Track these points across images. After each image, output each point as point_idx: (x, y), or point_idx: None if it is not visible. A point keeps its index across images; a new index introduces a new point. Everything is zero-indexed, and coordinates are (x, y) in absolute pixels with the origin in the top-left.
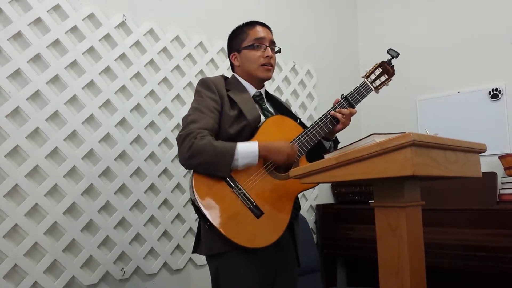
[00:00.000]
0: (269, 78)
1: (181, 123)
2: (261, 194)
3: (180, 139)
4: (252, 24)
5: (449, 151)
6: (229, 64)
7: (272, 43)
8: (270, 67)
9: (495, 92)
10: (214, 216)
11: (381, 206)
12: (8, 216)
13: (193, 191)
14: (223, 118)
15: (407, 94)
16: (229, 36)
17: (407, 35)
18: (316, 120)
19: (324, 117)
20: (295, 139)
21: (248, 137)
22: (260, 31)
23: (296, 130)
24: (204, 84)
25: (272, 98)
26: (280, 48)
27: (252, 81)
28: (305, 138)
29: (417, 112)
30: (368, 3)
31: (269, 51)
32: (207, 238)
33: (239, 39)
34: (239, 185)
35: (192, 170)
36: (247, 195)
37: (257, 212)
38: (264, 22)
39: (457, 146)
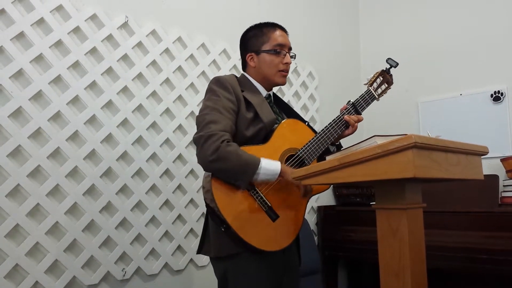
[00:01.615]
0: (284, 84)
1: (183, 124)
2: (277, 198)
3: (202, 140)
4: (273, 26)
5: (450, 153)
6: (231, 66)
7: (290, 49)
8: (287, 73)
9: (497, 94)
10: (231, 219)
11: (382, 208)
12: (10, 216)
13: (211, 194)
14: (240, 120)
15: (409, 96)
16: (245, 34)
17: (409, 37)
18: (327, 125)
19: (334, 123)
20: (307, 143)
21: (263, 139)
22: (281, 36)
23: (308, 134)
24: (220, 83)
25: (278, 100)
26: (295, 54)
27: (265, 84)
28: (317, 142)
29: (419, 114)
30: (370, 5)
31: (288, 58)
32: (217, 239)
33: (259, 40)
34: (256, 188)
35: (210, 173)
36: (264, 198)
37: (273, 216)
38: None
39: (458, 148)
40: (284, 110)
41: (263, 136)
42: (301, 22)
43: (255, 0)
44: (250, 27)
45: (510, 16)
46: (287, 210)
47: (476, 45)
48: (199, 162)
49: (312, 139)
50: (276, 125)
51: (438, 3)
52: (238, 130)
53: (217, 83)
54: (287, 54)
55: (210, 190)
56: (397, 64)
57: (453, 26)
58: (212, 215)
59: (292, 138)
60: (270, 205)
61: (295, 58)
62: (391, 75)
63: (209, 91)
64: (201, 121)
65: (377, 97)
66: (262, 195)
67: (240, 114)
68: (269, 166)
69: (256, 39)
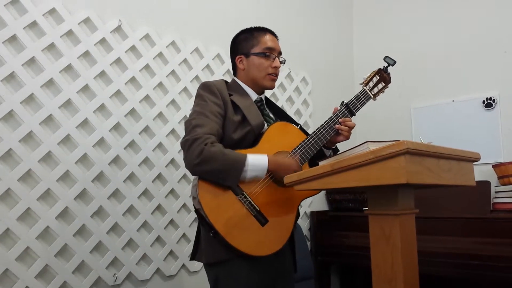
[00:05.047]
0: (273, 87)
1: (176, 129)
2: (266, 202)
3: (187, 144)
4: (263, 30)
5: (443, 159)
6: (224, 70)
7: (279, 54)
8: (276, 77)
9: (489, 101)
10: (219, 224)
11: (375, 213)
12: (0, 220)
13: (198, 199)
14: (227, 123)
15: (402, 102)
16: (236, 38)
17: (402, 43)
18: (319, 127)
19: (326, 124)
20: (298, 146)
21: (251, 143)
22: (271, 40)
23: (299, 137)
24: (207, 88)
25: (271, 104)
26: (284, 59)
27: (254, 87)
28: (308, 145)
29: (411, 120)
30: (363, 11)
31: (277, 62)
32: (208, 245)
33: (249, 43)
34: (244, 192)
35: (196, 177)
36: (253, 203)
37: (262, 220)
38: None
39: (451, 154)
40: (278, 114)
41: (252, 139)
42: (295, 28)
43: (250, 5)
44: (240, 31)
45: (503, 23)
46: (276, 214)
47: (468, 51)
48: (186, 166)
49: (303, 142)
50: (266, 128)
51: (430, 11)
52: (226, 134)
53: (205, 88)
54: (277, 58)
55: (197, 196)
56: (395, 62)
57: (446, 33)
58: (202, 221)
59: (282, 141)
60: (258, 209)
61: (284, 63)
62: (388, 74)
63: (197, 96)
64: (188, 125)
65: (372, 96)
66: (250, 199)
67: (227, 118)
68: (256, 161)
69: (247, 42)
